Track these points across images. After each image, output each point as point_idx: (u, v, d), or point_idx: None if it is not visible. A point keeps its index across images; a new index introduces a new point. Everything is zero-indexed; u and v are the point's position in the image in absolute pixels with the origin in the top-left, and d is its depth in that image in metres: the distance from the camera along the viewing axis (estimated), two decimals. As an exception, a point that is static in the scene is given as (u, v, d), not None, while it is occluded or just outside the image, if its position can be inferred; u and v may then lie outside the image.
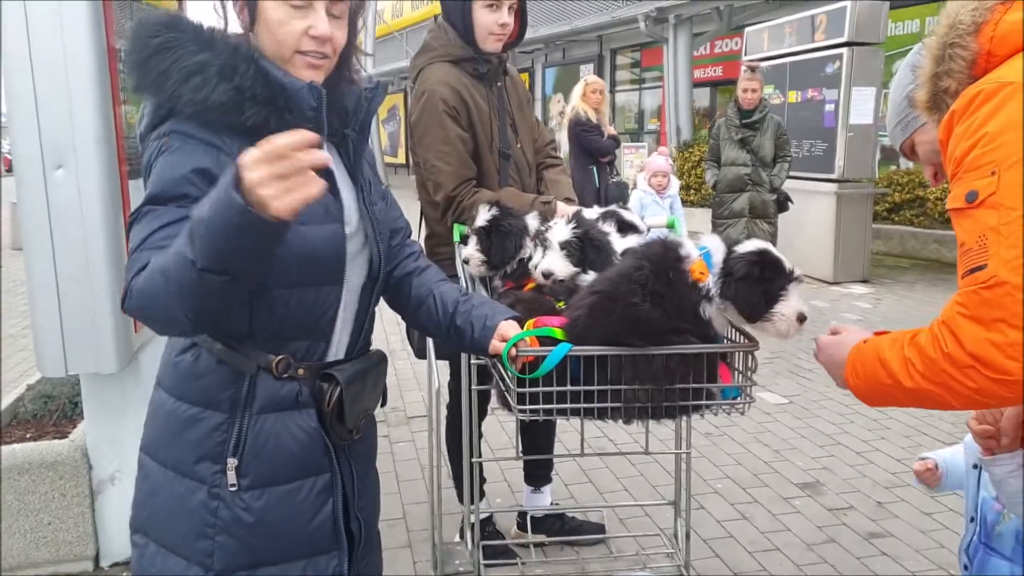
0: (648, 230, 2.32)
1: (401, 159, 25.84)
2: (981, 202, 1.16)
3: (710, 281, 1.65)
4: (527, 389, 1.62)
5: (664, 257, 1.67)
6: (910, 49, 1.60)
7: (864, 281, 7.92)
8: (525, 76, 19.88)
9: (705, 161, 6.40)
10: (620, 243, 2.09)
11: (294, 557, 1.41)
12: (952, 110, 1.26)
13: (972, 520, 1.68)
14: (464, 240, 2.29)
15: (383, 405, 1.62)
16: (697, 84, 13.60)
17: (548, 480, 3.01)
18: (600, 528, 3.02)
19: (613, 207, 2.25)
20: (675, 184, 6.10)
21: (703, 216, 9.45)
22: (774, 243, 6.27)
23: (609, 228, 2.16)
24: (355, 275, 1.46)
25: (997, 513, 1.63)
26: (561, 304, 1.86)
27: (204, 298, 1.16)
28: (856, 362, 1.38)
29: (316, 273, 1.38)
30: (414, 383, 4.91)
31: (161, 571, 1.39)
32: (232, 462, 1.34)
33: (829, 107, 7.87)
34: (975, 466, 1.71)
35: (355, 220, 1.46)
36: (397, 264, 1.65)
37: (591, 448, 3.63)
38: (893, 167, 10.36)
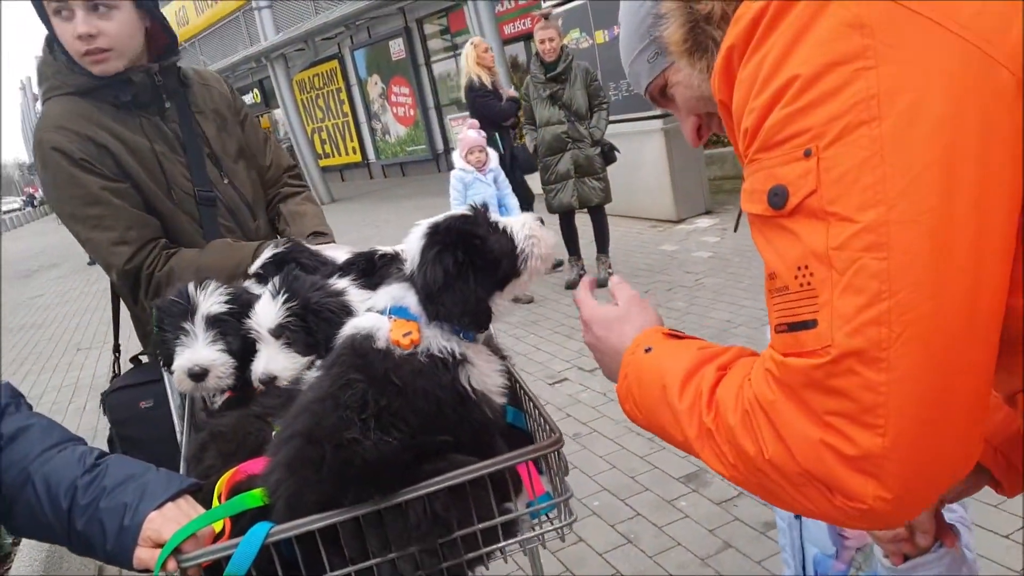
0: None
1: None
2: (796, 207, 0.66)
3: (429, 336, 1.11)
4: (216, 612, 1.01)
5: (371, 354, 1.10)
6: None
7: (708, 212, 7.77)
8: (334, 63, 18.69)
9: (524, 125, 5.92)
10: (363, 299, 1.46)
11: None
12: (729, 46, 0.74)
13: None
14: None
15: None
16: (508, 40, 13.13)
17: None
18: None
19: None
20: (494, 157, 5.58)
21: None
22: (607, 199, 5.89)
23: (344, 282, 1.53)
24: None
25: (843, 573, 1.39)
26: (278, 429, 1.25)
27: None
28: (632, 384, 0.89)
29: None
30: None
31: None
32: None
33: (638, 41, 7.57)
34: (797, 517, 1.42)
35: None
36: None
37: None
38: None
